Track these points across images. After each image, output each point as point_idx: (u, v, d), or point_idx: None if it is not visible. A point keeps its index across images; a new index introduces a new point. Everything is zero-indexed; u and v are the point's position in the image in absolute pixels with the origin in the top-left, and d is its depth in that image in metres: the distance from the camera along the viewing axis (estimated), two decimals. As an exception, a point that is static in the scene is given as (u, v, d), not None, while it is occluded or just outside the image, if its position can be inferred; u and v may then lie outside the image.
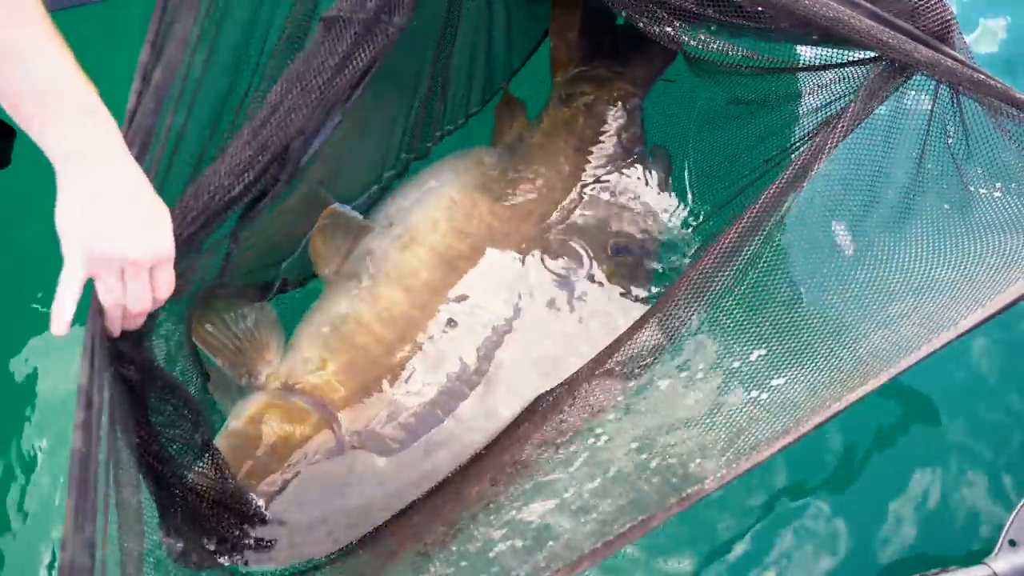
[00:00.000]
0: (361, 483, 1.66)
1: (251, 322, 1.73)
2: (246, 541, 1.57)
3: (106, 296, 1.23)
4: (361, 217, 1.90)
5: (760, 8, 1.57)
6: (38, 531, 1.94)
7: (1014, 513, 1.80)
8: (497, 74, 2.21)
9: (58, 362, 2.08)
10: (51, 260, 1.22)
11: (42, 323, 1.95)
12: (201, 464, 1.46)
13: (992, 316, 1.36)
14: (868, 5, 1.51)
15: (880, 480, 2.07)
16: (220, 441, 1.59)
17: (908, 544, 2.01)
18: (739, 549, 2.00)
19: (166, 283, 1.29)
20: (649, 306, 1.88)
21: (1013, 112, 1.48)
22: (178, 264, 1.31)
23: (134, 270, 1.23)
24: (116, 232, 1.21)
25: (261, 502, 1.57)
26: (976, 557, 1.78)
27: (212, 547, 1.53)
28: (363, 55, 1.45)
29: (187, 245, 1.37)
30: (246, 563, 1.58)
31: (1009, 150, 1.51)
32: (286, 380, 1.70)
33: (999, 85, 1.48)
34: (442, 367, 1.73)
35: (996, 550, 1.77)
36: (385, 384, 1.71)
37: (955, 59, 1.51)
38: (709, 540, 1.99)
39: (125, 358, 1.29)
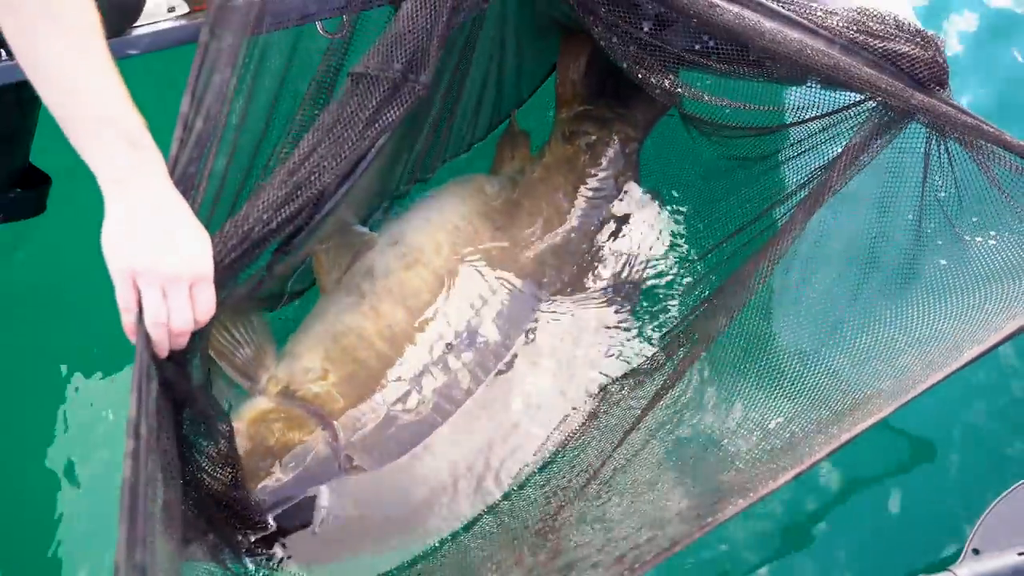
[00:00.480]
0: (355, 494, 1.70)
1: (249, 327, 1.77)
2: (245, 544, 1.61)
3: (149, 313, 1.26)
4: (368, 231, 1.94)
5: (762, 56, 1.64)
6: (89, 553, 1.96)
7: (978, 522, 1.84)
8: (504, 106, 2.25)
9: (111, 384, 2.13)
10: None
11: (87, 354, 2.01)
12: (222, 472, 1.49)
13: (989, 350, 1.43)
14: (867, 54, 1.57)
15: (847, 489, 2.10)
16: None
17: (875, 553, 2.04)
18: (699, 558, 2.02)
19: (207, 303, 1.32)
20: (634, 344, 1.97)
21: (1005, 157, 1.54)
22: (219, 291, 1.34)
23: (173, 285, 1.26)
24: (153, 247, 1.25)
25: (256, 504, 1.61)
26: (942, 565, 1.82)
27: (217, 547, 1.57)
28: (392, 113, 1.49)
29: (227, 272, 1.40)
30: (244, 565, 1.62)
31: (998, 199, 1.57)
32: (287, 386, 1.74)
33: (991, 129, 1.55)
34: (439, 387, 1.78)
35: (961, 558, 1.81)
36: (383, 399, 1.75)
37: (948, 104, 1.58)
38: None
39: (171, 384, 1.33)
